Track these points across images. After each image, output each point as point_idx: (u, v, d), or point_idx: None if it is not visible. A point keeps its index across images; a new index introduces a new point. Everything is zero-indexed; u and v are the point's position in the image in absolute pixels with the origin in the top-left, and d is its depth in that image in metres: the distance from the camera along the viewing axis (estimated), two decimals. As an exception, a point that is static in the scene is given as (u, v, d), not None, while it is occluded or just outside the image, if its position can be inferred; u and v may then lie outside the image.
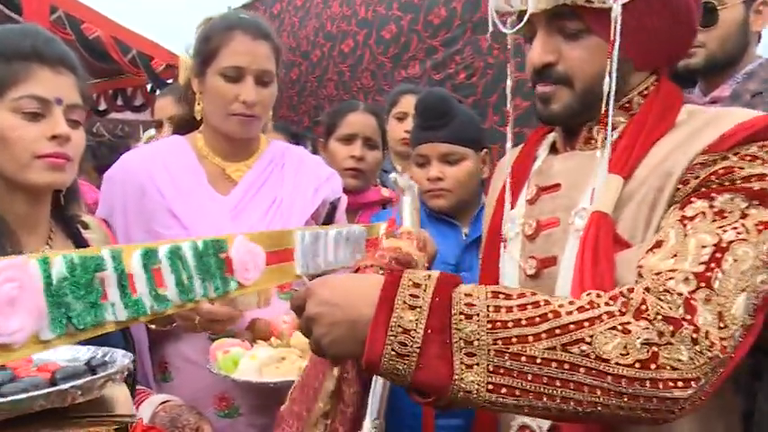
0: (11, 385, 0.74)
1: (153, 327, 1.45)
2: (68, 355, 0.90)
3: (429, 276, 0.82)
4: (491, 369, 0.76)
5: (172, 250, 0.75)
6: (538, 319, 0.78)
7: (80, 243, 1.26)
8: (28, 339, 0.61)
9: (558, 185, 1.05)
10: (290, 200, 1.60)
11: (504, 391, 0.77)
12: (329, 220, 1.67)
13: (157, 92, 3.53)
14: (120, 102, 5.07)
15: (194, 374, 1.49)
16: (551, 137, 1.16)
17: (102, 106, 5.06)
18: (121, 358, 0.86)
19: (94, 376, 0.78)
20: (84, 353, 0.90)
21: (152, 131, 3.29)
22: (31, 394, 0.72)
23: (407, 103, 2.50)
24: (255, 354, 1.33)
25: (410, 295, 0.80)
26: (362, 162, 2.17)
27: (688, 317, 0.79)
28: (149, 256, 0.73)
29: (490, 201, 1.23)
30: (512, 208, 1.12)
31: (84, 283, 0.65)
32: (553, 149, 1.14)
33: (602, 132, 0.98)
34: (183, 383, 1.49)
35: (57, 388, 0.74)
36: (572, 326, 0.77)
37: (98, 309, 0.66)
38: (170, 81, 3.94)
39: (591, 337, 0.76)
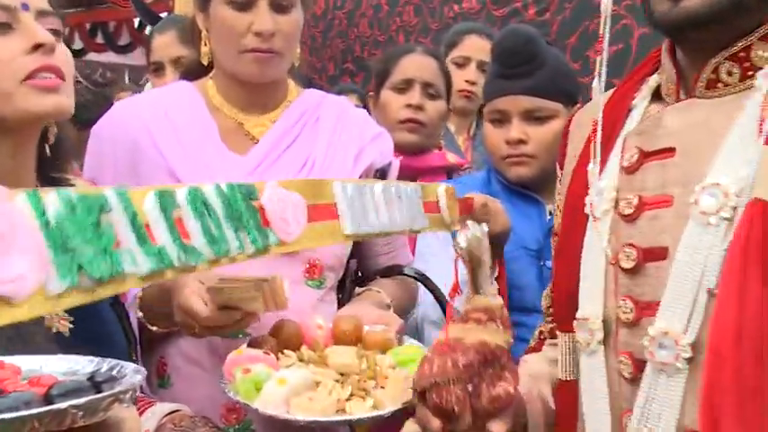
0: None
1: (155, 328, 1.40)
2: (65, 366, 0.86)
3: None
4: None
5: (192, 192, 0.72)
6: None
7: None
8: (34, 292, 0.57)
9: (671, 150, 0.95)
10: (324, 163, 1.52)
11: None
12: (377, 191, 1.60)
13: (147, 29, 3.39)
14: (99, 39, 4.93)
15: (197, 378, 1.44)
16: (654, 80, 1.05)
17: (77, 45, 4.91)
18: (132, 373, 0.81)
19: (100, 394, 0.74)
20: (86, 365, 0.86)
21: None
22: (21, 414, 0.68)
23: (471, 46, 2.39)
24: (285, 378, 1.24)
25: None
26: (421, 112, 2.06)
27: None
28: (166, 201, 0.69)
29: (567, 169, 1.13)
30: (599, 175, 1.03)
31: (91, 224, 0.62)
32: (656, 97, 1.04)
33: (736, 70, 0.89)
34: (183, 389, 1.44)
35: (54, 407, 0.69)
36: None
37: (113, 255, 0.63)
38: (163, 15, 3.81)
39: None
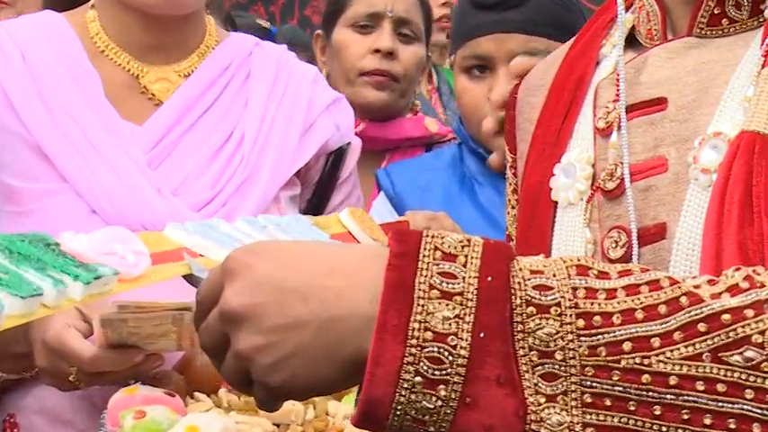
0: None
1: None
2: None
3: (468, 242, 0.74)
4: (588, 401, 0.70)
5: None
6: (664, 309, 0.71)
7: None
8: None
9: (661, 101, 0.97)
10: (258, 139, 1.48)
11: None
12: (329, 179, 1.57)
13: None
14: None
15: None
16: (627, 20, 1.08)
17: None
18: None
19: None
20: None
21: None
22: None
23: None
24: (195, 425, 1.23)
25: (441, 274, 0.71)
26: (393, 61, 1.98)
27: None
28: None
29: (522, 149, 1.14)
30: (562, 151, 1.05)
31: None
32: (629, 44, 1.06)
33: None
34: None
35: None
36: (726, 316, 0.71)
37: None
38: None
39: (762, 334, 0.69)
